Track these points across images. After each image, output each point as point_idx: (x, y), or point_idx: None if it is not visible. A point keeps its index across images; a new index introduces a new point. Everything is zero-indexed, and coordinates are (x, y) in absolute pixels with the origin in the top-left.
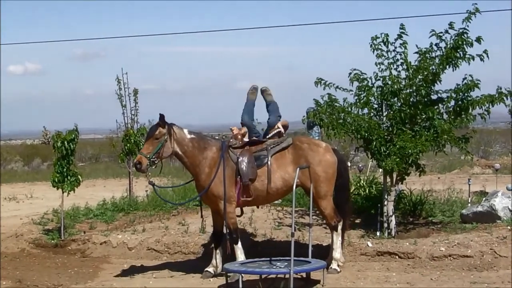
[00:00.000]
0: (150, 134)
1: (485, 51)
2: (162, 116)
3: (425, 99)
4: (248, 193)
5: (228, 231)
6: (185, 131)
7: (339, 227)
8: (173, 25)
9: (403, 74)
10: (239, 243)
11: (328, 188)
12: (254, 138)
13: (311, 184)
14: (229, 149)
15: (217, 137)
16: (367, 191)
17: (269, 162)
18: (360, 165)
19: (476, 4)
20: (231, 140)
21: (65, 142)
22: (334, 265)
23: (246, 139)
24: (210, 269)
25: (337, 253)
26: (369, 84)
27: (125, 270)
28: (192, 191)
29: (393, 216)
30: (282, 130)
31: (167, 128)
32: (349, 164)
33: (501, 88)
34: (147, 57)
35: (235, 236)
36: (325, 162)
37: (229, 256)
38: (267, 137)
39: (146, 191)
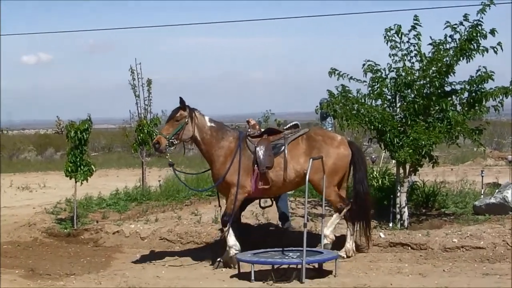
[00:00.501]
0: (171, 115)
1: (499, 43)
2: (182, 100)
3: (439, 91)
4: (265, 181)
5: (224, 212)
6: (207, 118)
7: (344, 210)
8: (182, 17)
9: (416, 66)
10: (231, 230)
11: (333, 179)
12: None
13: (324, 175)
14: (247, 138)
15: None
16: (380, 182)
17: (285, 151)
18: (373, 156)
19: None
20: (249, 130)
21: (79, 132)
22: (324, 241)
23: None
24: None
25: (328, 230)
26: (383, 75)
27: (137, 260)
28: (205, 181)
29: (406, 207)
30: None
31: (188, 111)
32: None
33: None
34: (160, 48)
35: (226, 219)
36: (337, 154)
37: (242, 247)
38: (284, 128)
39: (159, 181)
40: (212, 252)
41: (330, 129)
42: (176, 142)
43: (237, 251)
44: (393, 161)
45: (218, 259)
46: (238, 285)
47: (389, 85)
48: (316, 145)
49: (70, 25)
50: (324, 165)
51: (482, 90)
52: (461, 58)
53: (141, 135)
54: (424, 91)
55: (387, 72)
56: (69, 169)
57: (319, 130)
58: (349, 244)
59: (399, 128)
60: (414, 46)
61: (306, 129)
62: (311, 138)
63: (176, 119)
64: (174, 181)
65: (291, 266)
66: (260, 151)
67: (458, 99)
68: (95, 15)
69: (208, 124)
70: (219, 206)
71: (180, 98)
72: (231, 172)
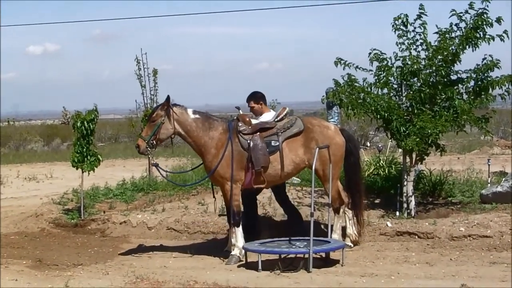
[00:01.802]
0: (149, 117)
1: (505, 31)
2: (168, 97)
3: (445, 79)
4: (261, 181)
5: (231, 212)
6: (189, 111)
7: (341, 210)
8: (190, 6)
9: (422, 54)
10: (240, 226)
11: (335, 170)
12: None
13: (330, 165)
14: (239, 134)
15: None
16: (386, 171)
17: (280, 148)
18: (379, 145)
19: None
20: (240, 124)
21: (85, 122)
22: (334, 235)
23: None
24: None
25: (336, 235)
26: (389, 64)
27: (144, 250)
28: None
29: (413, 196)
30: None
31: (165, 109)
32: (368, 144)
33: None
34: (165, 38)
35: (237, 218)
36: (335, 145)
37: (249, 236)
38: (278, 118)
39: (166, 171)
40: (219, 242)
41: (336, 118)
42: (155, 143)
43: (241, 257)
44: (400, 150)
45: (225, 249)
46: (245, 275)
47: (395, 74)
48: (313, 136)
49: (76, 15)
50: (323, 156)
51: (488, 79)
52: (467, 47)
53: None
54: (430, 79)
55: (393, 61)
56: (76, 160)
57: (314, 120)
58: (350, 230)
59: (405, 117)
60: (420, 35)
61: (300, 122)
62: (308, 130)
63: (152, 120)
64: (181, 171)
65: (298, 255)
66: (254, 150)
67: (464, 87)
68: (101, 5)
69: (192, 116)
70: (214, 197)
71: (168, 96)
72: (222, 164)
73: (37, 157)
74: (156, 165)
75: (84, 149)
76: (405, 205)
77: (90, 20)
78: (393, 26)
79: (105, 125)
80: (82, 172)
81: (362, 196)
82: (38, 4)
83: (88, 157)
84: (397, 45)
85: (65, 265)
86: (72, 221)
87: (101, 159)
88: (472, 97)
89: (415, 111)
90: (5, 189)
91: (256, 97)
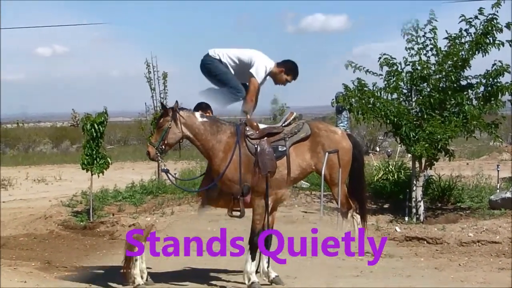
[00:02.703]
0: (156, 123)
1: None
2: (162, 105)
3: (455, 85)
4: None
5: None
6: (197, 114)
7: (349, 215)
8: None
9: (432, 60)
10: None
11: (342, 175)
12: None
13: (339, 169)
14: (247, 139)
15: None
16: (395, 176)
17: (287, 153)
18: (388, 150)
19: None
20: (247, 129)
21: (95, 125)
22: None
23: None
24: None
25: None
26: (399, 69)
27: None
28: None
29: (422, 201)
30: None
31: (172, 113)
32: (377, 149)
33: None
34: (173, 39)
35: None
36: (342, 149)
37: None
38: (285, 123)
39: (175, 174)
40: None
41: (346, 123)
42: (165, 148)
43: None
44: (409, 155)
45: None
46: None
47: (405, 79)
48: (320, 140)
49: (84, 17)
50: (330, 160)
51: (498, 84)
52: (477, 52)
53: None
54: (440, 85)
55: (403, 66)
56: (85, 162)
57: (321, 125)
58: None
59: (415, 122)
60: (430, 40)
61: (307, 127)
62: (315, 134)
63: (160, 126)
64: (190, 174)
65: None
66: (261, 155)
67: (474, 93)
68: (109, 5)
69: (200, 119)
70: None
71: (161, 103)
72: (231, 169)
73: (46, 159)
74: (167, 171)
75: (94, 152)
76: (414, 210)
77: (98, 23)
78: (402, 31)
79: (115, 128)
80: (91, 175)
81: (365, 203)
82: (45, 5)
83: (98, 160)
84: (407, 50)
85: (74, 267)
86: (81, 223)
87: (110, 161)
88: (482, 103)
89: (425, 116)
90: (14, 190)
91: (202, 107)
